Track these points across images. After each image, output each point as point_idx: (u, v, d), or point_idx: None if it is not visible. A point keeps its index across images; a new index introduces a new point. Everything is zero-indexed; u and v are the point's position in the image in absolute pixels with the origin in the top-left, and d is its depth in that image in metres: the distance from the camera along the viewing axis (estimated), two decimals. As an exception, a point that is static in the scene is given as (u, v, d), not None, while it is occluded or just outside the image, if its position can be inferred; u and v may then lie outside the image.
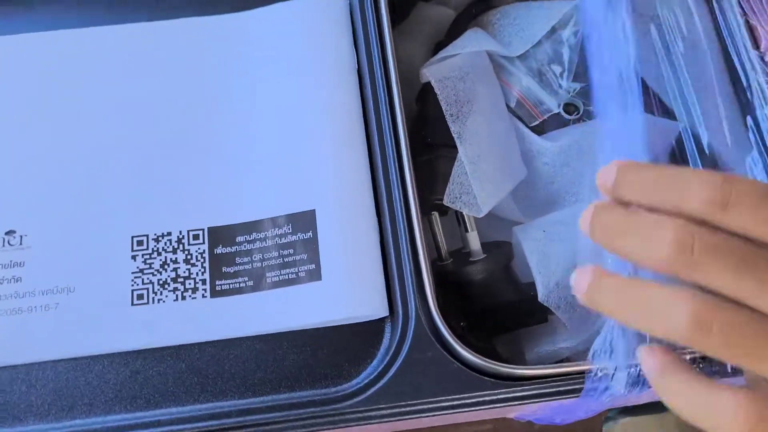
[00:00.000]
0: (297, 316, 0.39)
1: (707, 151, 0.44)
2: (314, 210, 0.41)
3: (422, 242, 0.39)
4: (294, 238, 0.41)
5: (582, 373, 0.36)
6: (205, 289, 0.40)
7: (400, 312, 0.38)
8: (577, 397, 0.36)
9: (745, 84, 0.43)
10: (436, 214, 0.42)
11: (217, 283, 0.40)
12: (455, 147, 0.44)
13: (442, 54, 0.45)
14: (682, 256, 0.24)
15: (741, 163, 0.43)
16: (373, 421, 0.36)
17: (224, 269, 0.41)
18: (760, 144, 0.42)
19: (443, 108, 0.43)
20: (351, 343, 0.39)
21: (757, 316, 0.24)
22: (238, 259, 0.41)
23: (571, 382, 0.36)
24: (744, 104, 0.43)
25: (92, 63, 0.45)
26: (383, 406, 0.36)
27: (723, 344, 0.24)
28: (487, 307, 0.42)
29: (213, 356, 0.39)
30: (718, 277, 0.24)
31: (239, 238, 0.41)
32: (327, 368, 0.39)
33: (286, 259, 0.40)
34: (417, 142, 0.44)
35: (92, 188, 0.42)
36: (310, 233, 0.40)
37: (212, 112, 0.44)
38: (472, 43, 0.45)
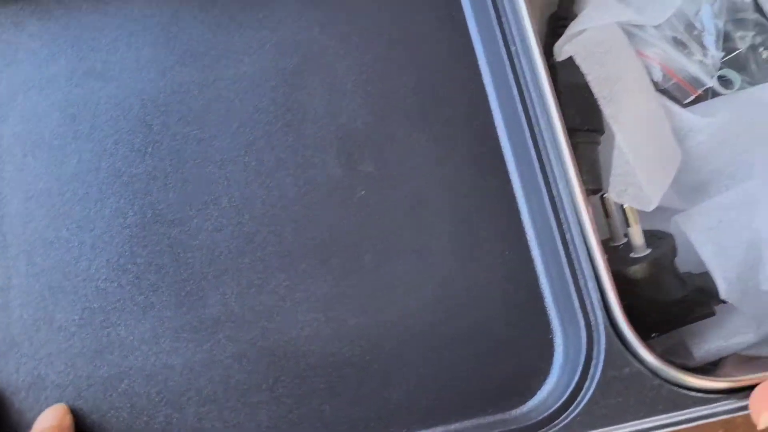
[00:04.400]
0: None
1: None
2: None
3: (596, 236, 0.34)
4: None
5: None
6: None
7: (582, 323, 0.34)
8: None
9: None
10: (609, 197, 0.37)
11: None
12: (595, 131, 0.40)
13: (574, 28, 0.40)
14: None
15: None
16: (576, 451, 0.32)
17: None
18: None
19: (593, 89, 0.38)
20: (515, 361, 0.36)
21: None
22: None
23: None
24: None
25: None
26: (587, 432, 0.32)
27: None
28: (651, 307, 0.39)
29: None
30: None
31: None
32: (497, 390, 0.35)
33: None
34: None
35: None
36: None
37: None
38: (605, 14, 0.40)
